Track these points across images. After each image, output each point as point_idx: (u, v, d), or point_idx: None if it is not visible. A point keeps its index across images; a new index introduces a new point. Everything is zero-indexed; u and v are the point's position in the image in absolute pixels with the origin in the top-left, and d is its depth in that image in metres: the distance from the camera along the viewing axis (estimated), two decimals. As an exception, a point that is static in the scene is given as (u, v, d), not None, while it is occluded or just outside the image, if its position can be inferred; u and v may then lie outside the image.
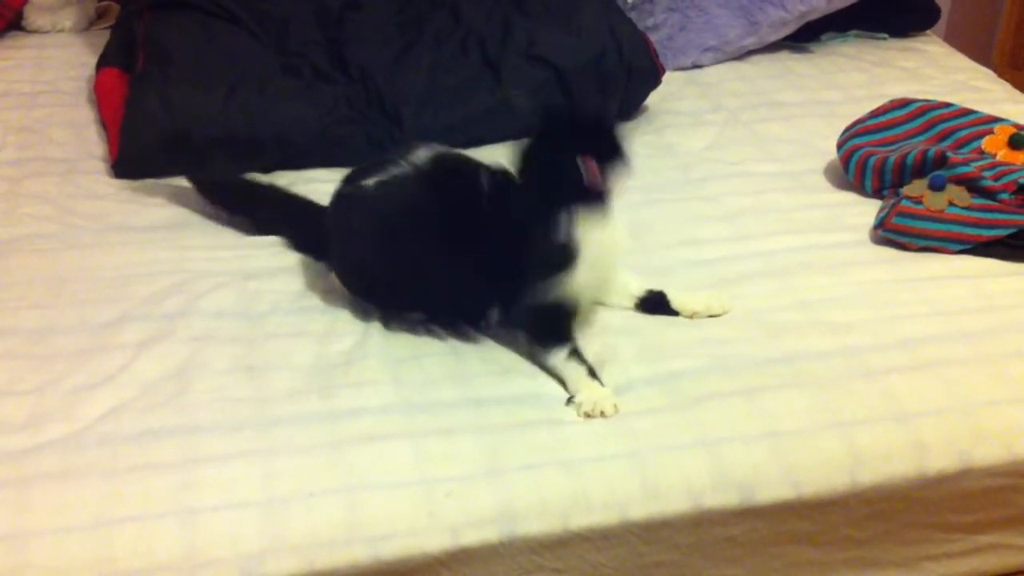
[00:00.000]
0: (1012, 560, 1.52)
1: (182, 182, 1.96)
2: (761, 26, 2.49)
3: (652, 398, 1.47)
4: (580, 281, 1.51)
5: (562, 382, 1.49)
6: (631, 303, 1.64)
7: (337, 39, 2.19)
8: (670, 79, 2.31)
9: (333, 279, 1.66)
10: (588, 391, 1.46)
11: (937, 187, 1.82)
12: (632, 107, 2.25)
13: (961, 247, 1.78)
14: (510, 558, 1.32)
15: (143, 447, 1.36)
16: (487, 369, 1.51)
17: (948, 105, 2.05)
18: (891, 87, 2.34)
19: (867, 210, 1.91)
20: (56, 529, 1.26)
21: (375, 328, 1.59)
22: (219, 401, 1.44)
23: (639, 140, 2.17)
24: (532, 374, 1.51)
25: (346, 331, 1.58)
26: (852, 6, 2.52)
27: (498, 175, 1.54)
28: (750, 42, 2.51)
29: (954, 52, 2.59)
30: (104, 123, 2.11)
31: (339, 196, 1.62)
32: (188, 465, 1.34)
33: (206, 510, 1.29)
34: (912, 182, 1.87)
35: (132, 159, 1.98)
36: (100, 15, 2.60)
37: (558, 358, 1.50)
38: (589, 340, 1.56)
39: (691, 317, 1.62)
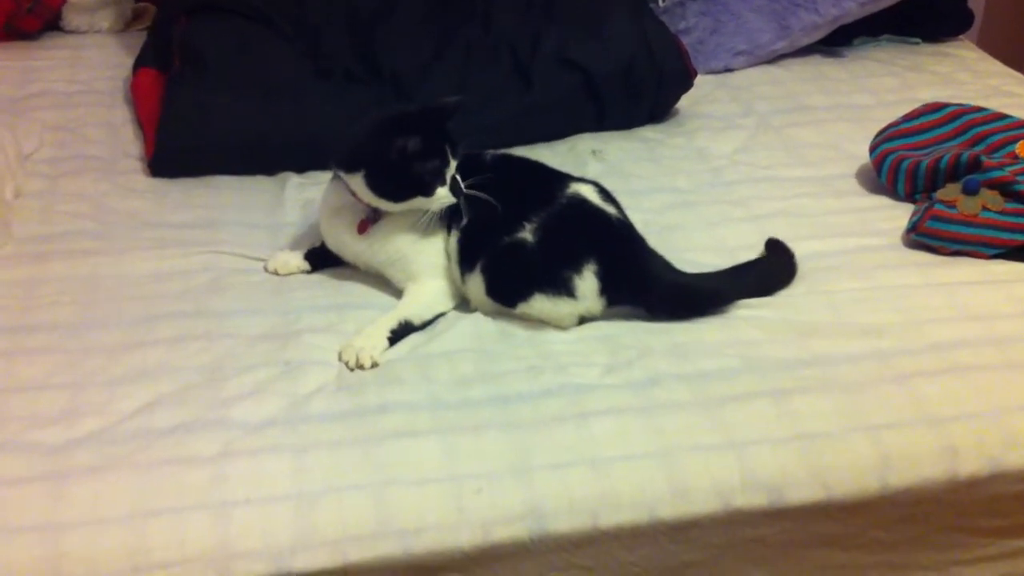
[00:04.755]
0: (1043, 565, 1.51)
1: (216, 180, 1.98)
2: (793, 30, 2.49)
3: (680, 393, 1.47)
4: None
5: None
6: None
7: (369, 45, 2.20)
8: (701, 82, 2.31)
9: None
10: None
11: (971, 191, 1.81)
12: (663, 110, 2.26)
13: (994, 252, 1.78)
14: (540, 555, 1.33)
15: (177, 441, 1.38)
16: (515, 367, 1.52)
17: (981, 109, 2.04)
18: (923, 91, 2.33)
19: (899, 214, 1.90)
20: (91, 521, 1.28)
21: (406, 326, 1.61)
22: (251, 396, 1.46)
23: (670, 143, 2.17)
24: (560, 371, 1.51)
25: (377, 329, 1.59)
26: (885, 10, 2.51)
27: None
28: (782, 46, 2.50)
29: (987, 57, 2.58)
30: (140, 122, 2.13)
31: None
32: (221, 459, 1.35)
33: (238, 503, 1.30)
34: (945, 186, 1.87)
35: (167, 158, 2.00)
36: (136, 16, 2.63)
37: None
38: (622, 334, 1.58)
39: None
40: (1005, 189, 1.81)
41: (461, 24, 2.25)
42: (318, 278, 1.73)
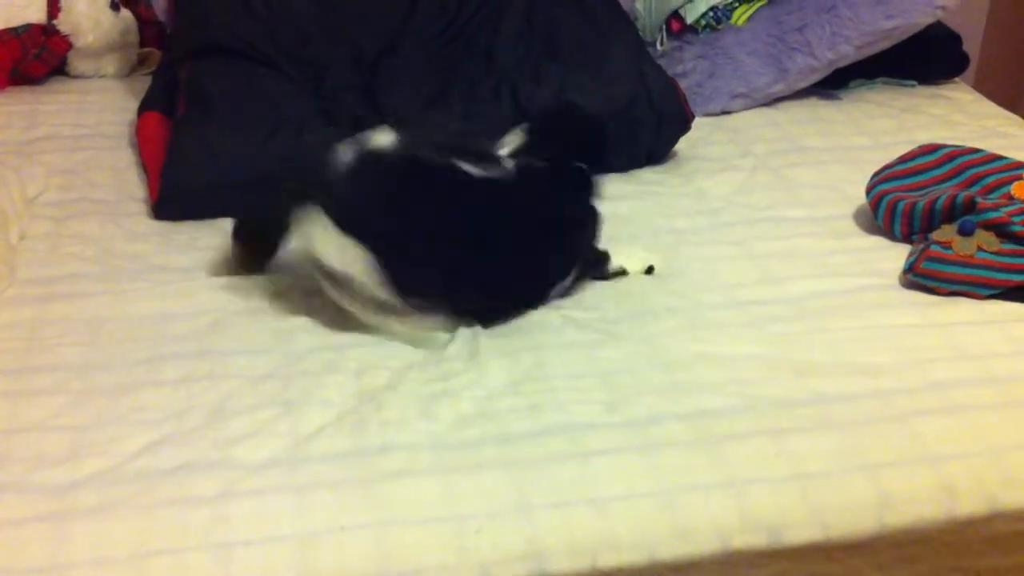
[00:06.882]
0: (1044, 605, 1.51)
1: (220, 223, 2.00)
2: (790, 73, 2.51)
3: (679, 433, 1.48)
4: None
5: None
6: None
7: (372, 84, 2.23)
8: (699, 125, 2.34)
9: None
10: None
11: (966, 232, 1.83)
12: (662, 152, 2.28)
13: (990, 292, 1.79)
14: (538, 596, 1.33)
15: (179, 481, 1.39)
16: (516, 405, 1.53)
17: (977, 151, 2.06)
18: (919, 133, 2.35)
19: (896, 255, 1.92)
20: (93, 561, 1.28)
21: (406, 366, 1.61)
22: (253, 437, 1.47)
23: (668, 184, 2.19)
24: (560, 409, 1.52)
25: (378, 369, 1.61)
26: (881, 53, 2.54)
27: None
28: (779, 89, 2.53)
29: (983, 99, 2.60)
30: (145, 166, 2.15)
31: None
32: (222, 499, 1.36)
33: (239, 544, 1.31)
34: (941, 227, 1.88)
35: (172, 201, 2.02)
36: (142, 61, 2.66)
37: None
38: (621, 371, 1.59)
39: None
40: (1001, 230, 1.83)
41: (463, 62, 2.28)
42: (322, 320, 1.74)
